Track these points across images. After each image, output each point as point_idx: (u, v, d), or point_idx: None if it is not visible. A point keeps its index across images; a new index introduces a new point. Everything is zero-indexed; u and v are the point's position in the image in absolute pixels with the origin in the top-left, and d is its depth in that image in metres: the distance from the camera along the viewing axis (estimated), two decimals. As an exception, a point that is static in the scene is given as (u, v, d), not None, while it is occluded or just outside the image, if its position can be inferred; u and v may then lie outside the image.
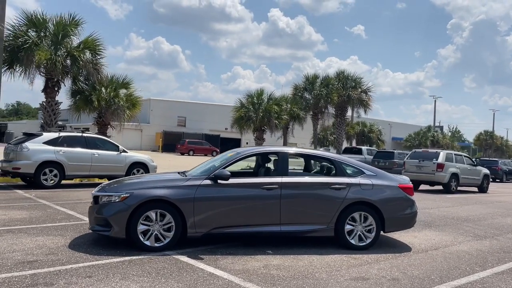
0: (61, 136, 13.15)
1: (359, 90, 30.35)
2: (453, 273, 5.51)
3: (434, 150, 18.83)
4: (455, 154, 18.52)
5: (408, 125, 74.88)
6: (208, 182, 6.08)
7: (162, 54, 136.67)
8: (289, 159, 6.77)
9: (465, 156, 19.45)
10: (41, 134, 13.11)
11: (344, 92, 29.78)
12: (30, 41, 15.21)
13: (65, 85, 17.19)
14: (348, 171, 6.72)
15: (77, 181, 14.71)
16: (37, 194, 11.31)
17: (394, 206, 6.62)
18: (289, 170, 6.83)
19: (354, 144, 46.53)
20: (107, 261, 5.27)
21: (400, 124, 76.23)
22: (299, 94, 30.03)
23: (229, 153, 6.87)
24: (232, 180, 6.13)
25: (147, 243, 5.80)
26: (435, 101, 63.42)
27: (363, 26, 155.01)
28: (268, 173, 6.94)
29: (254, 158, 7.49)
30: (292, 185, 6.31)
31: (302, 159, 7.66)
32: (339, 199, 6.34)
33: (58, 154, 12.78)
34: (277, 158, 6.69)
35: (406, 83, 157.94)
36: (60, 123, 41.47)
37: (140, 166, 14.58)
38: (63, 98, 19.19)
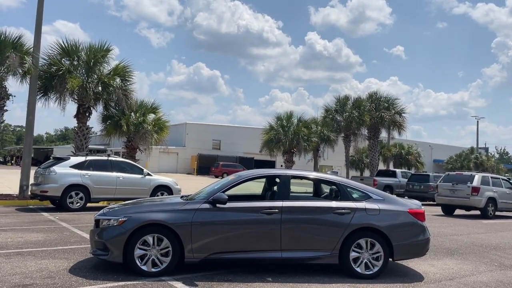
0: (87, 160, 13.52)
1: (393, 111, 29.63)
2: (463, 307, 5.09)
3: (469, 173, 17.92)
4: (492, 177, 17.54)
5: (450, 147, 72.29)
6: (206, 206, 6.00)
7: (202, 79, 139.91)
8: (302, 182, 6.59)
9: (503, 179, 18.38)
10: (69, 158, 13.52)
11: (376, 114, 29.16)
12: (63, 69, 15.90)
13: (96, 111, 17.82)
14: (354, 195, 6.45)
15: (104, 203, 14.99)
16: (61, 217, 11.59)
17: (404, 233, 6.26)
18: (293, 194, 6.66)
19: (391, 167, 45.20)
20: (100, 286, 5.24)
21: (442, 145, 73.73)
22: (330, 116, 29.69)
23: (231, 177, 6.77)
24: (230, 204, 6.02)
25: (144, 268, 5.75)
26: (477, 121, 61.09)
27: (402, 47, 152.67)
28: (272, 197, 6.78)
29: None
30: (293, 210, 6.11)
31: (311, 183, 7.47)
32: (343, 224, 6.07)
33: (84, 177, 13.12)
34: (279, 181, 6.54)
35: (449, 103, 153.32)
36: (102, 147, 42.71)
37: (164, 189, 14.74)
38: (95, 123, 19.84)
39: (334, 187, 6.65)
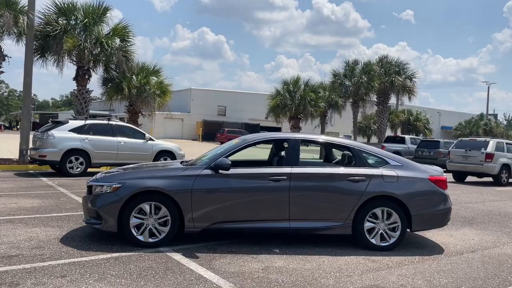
0: (87, 124, 13.03)
1: (403, 76, 28.65)
2: (490, 283, 4.61)
3: (483, 139, 17.26)
4: (506, 143, 16.88)
5: (459, 113, 71.13)
6: (207, 172, 5.48)
7: (207, 44, 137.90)
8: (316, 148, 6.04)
9: (518, 145, 17.71)
10: (67, 122, 13.04)
11: (386, 79, 28.20)
12: (59, 28, 15.17)
13: (96, 73, 17.17)
14: (370, 161, 5.90)
15: (107, 169, 14.60)
16: (59, 182, 11.21)
17: (423, 201, 5.73)
18: (302, 160, 6.13)
19: (399, 133, 44.48)
20: (91, 258, 4.80)
21: (450, 112, 72.55)
22: (339, 81, 28.75)
23: (235, 141, 6.22)
24: (234, 170, 5.49)
25: (141, 238, 5.30)
26: (488, 87, 59.76)
27: (412, 11, 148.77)
28: (280, 162, 6.24)
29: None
30: (302, 176, 5.58)
31: (322, 148, 6.91)
32: (358, 192, 5.54)
33: (83, 142, 12.67)
34: (287, 145, 5.97)
35: (458, 69, 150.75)
36: (107, 112, 42.19)
37: (167, 155, 14.30)
38: (97, 87, 19.19)
39: (348, 152, 6.09)
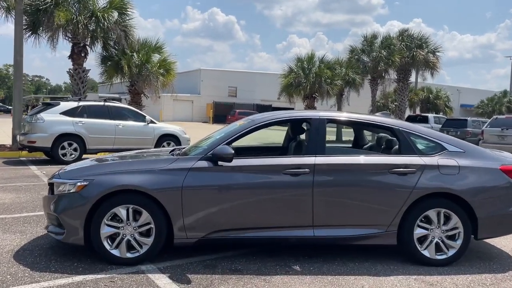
0: (80, 106, 11.75)
1: (426, 50, 26.65)
2: None
3: (521, 116, 15.61)
4: (548, 121, 15.19)
5: (479, 91, 68.38)
6: (203, 164, 4.09)
7: (218, 25, 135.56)
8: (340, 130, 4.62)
9: (560, 123, 15.97)
10: (59, 104, 11.78)
11: (407, 53, 26.25)
12: (50, 1, 13.77)
13: (93, 51, 15.79)
14: (420, 146, 4.44)
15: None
16: (49, 171, 9.97)
17: (494, 200, 4.28)
18: (330, 146, 4.71)
19: (418, 112, 42.51)
20: (44, 285, 3.49)
21: (470, 89, 69.78)
22: (356, 57, 26.87)
23: (240, 122, 4.79)
24: (239, 161, 4.11)
25: (115, 252, 3.97)
26: (512, 62, 56.77)
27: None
28: (299, 150, 4.83)
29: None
30: (330, 169, 4.16)
31: (350, 129, 5.48)
32: (405, 189, 4.12)
33: (77, 125, 11.42)
34: (309, 127, 4.53)
35: (475, 46, 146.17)
36: (117, 96, 41.08)
37: (171, 139, 13.01)
38: (95, 66, 17.79)
39: (390, 134, 4.64)
